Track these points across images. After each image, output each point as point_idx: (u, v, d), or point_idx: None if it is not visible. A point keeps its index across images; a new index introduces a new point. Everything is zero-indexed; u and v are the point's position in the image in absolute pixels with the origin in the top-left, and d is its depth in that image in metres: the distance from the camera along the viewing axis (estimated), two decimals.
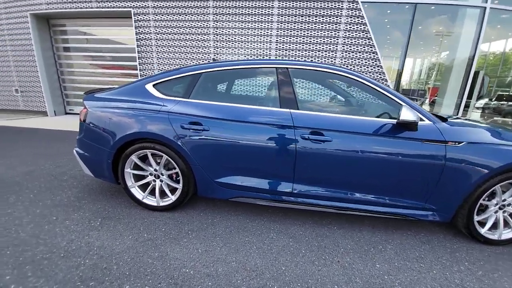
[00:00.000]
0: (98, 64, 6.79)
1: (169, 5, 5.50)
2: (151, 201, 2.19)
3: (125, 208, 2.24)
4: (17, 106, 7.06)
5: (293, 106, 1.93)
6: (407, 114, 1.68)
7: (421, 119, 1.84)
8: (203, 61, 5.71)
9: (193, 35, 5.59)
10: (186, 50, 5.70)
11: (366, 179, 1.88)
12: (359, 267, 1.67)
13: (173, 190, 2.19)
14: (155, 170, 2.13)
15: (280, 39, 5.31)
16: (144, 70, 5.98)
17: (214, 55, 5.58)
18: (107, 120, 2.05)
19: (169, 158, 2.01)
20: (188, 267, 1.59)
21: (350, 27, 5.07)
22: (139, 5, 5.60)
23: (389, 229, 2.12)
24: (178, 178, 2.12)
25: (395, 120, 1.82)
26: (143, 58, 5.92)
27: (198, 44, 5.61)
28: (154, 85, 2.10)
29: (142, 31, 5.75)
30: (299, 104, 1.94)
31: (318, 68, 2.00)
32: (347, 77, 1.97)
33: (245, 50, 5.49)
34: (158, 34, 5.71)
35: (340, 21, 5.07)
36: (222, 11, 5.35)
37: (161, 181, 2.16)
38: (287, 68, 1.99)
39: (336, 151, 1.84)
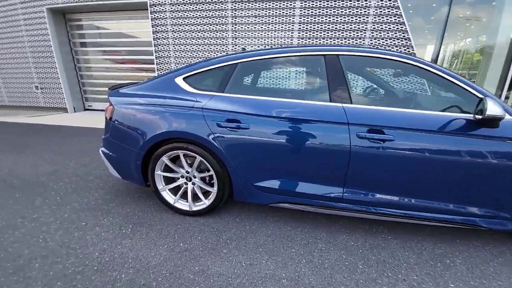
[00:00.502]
0: (114, 59, 6.67)
1: None
2: (183, 205, 2.01)
3: (156, 213, 2.08)
4: (38, 103, 7.10)
5: (346, 99, 1.66)
6: (494, 109, 1.38)
7: None
8: (220, 53, 5.45)
9: (210, 25, 5.32)
10: (203, 41, 5.45)
11: (431, 183, 1.61)
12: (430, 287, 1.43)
13: (205, 193, 2.00)
14: (187, 172, 1.93)
15: (302, 27, 4.95)
16: (161, 63, 5.80)
17: (234, 46, 5.30)
18: (135, 118, 1.86)
19: (203, 160, 1.80)
20: (234, 285, 1.40)
21: (381, 11, 4.65)
22: None
23: (452, 239, 1.85)
24: (212, 181, 1.92)
25: (470, 115, 1.53)
26: (160, 51, 5.72)
27: (216, 35, 5.34)
28: (184, 79, 1.88)
29: (158, 23, 5.54)
30: (353, 97, 1.67)
31: (379, 55, 1.70)
32: (418, 66, 1.65)
33: (265, 40, 5.18)
34: (174, 25, 5.47)
35: (370, 4, 4.64)
36: None
37: (193, 184, 1.97)
38: (337, 55, 1.71)
39: (399, 152, 1.57)
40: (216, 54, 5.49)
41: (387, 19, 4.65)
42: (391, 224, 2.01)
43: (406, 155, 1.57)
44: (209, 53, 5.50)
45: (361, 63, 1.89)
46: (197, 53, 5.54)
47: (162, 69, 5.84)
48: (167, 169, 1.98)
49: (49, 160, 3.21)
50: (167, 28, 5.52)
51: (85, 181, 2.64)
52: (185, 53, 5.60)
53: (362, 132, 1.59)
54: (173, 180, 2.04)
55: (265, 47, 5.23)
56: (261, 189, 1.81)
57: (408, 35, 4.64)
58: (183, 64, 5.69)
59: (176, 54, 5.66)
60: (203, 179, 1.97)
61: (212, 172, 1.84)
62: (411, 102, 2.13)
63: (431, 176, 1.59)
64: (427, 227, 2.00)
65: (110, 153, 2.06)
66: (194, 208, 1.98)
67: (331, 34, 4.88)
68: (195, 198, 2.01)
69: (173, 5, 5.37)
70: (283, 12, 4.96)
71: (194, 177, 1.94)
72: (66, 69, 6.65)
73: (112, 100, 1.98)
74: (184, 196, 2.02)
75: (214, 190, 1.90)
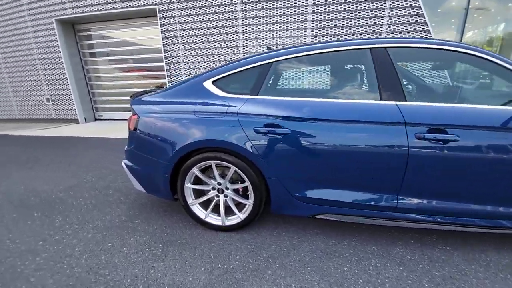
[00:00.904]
0: (124, 67, 6.60)
1: None
2: (214, 220, 1.84)
3: (185, 229, 1.91)
4: (49, 115, 7.07)
5: (399, 96, 1.47)
6: None
7: None
8: (231, 59, 5.31)
9: (220, 28, 5.19)
10: (214, 45, 5.32)
11: (498, 187, 1.41)
12: None
13: (237, 205, 1.83)
14: (219, 184, 1.76)
15: (315, 24, 4.77)
16: (171, 69, 5.69)
17: (245, 49, 5.15)
18: (162, 127, 1.70)
19: (238, 170, 1.63)
20: None
21: (398, 4, 4.44)
22: (164, 1, 5.28)
23: None
24: (246, 193, 1.74)
25: None
26: (170, 57, 5.61)
27: (227, 37, 5.21)
28: (213, 82, 1.71)
29: (167, 28, 5.44)
30: (406, 93, 1.48)
31: (436, 46, 1.50)
32: (485, 59, 1.45)
33: (277, 40, 5.02)
34: (184, 30, 5.36)
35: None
36: (251, 1, 4.89)
37: (226, 196, 1.79)
38: (385, 48, 1.53)
39: (465, 153, 1.37)
40: (227, 58, 5.35)
41: (405, 12, 4.44)
42: (443, 233, 1.80)
43: (474, 156, 1.37)
44: (219, 56, 5.36)
45: (413, 56, 1.70)
46: (207, 57, 5.41)
47: (172, 76, 5.73)
48: (196, 181, 1.81)
49: (65, 174, 3.08)
50: (177, 34, 5.41)
51: (105, 196, 2.49)
52: (196, 57, 5.48)
53: (421, 133, 1.40)
54: (202, 193, 1.88)
55: (283, 47, 5.07)
56: (304, 199, 1.62)
57: (427, 27, 4.41)
58: (194, 70, 5.57)
59: (186, 60, 5.54)
60: (236, 191, 1.80)
61: (247, 183, 1.66)
62: (467, 96, 1.93)
63: (498, 180, 1.39)
64: (483, 234, 1.78)
65: (135, 166, 1.90)
66: (227, 223, 1.81)
67: (346, 31, 4.69)
68: (227, 211, 1.83)
69: (182, 10, 5.26)
70: (295, 11, 4.80)
71: (227, 188, 1.77)
72: (77, 80, 6.61)
73: (135, 109, 1.83)
74: (215, 209, 1.85)
75: (249, 202, 1.72)
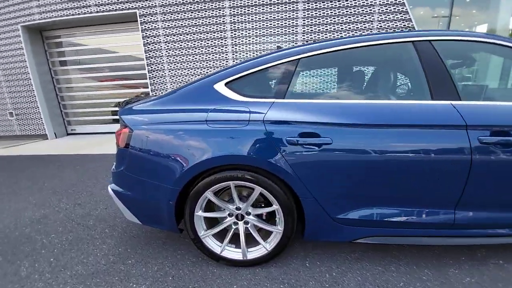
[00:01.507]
0: (99, 76, 6.01)
1: (178, 1, 4.78)
2: (232, 253, 1.47)
3: (195, 268, 1.51)
4: (13, 131, 6.22)
5: (453, 95, 1.24)
6: None
7: None
8: (220, 65, 4.99)
9: (207, 33, 4.87)
10: (200, 51, 4.98)
11: None
12: None
13: (258, 232, 1.48)
14: (237, 208, 1.41)
15: (307, 21, 4.61)
16: (155, 77, 5.23)
17: (234, 54, 4.87)
18: (164, 141, 1.32)
19: (265, 191, 1.30)
20: None
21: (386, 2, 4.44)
22: (145, 5, 4.87)
23: None
24: (276, 218, 1.40)
25: None
26: (153, 64, 5.17)
27: (214, 43, 4.90)
28: (227, 84, 1.38)
29: (149, 34, 5.01)
30: (460, 91, 1.25)
31: (490, 40, 1.30)
32: None
33: (268, 45, 4.80)
34: (167, 36, 4.97)
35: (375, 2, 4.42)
36: (240, 3, 4.66)
37: (246, 223, 1.44)
38: (429, 41, 1.31)
39: None
40: (215, 64, 5.03)
41: (393, 17, 4.43)
42: (491, 245, 1.59)
43: None
44: (206, 62, 5.02)
45: (462, 49, 1.49)
46: (194, 63, 5.05)
47: (156, 84, 5.28)
48: (208, 207, 1.45)
49: (33, 202, 2.53)
50: (160, 39, 5.01)
51: (85, 228, 2.01)
52: (182, 64, 5.09)
53: (485, 136, 1.18)
54: (215, 221, 1.51)
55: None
56: (347, 222, 1.32)
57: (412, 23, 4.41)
58: (180, 77, 5.17)
59: (171, 67, 5.13)
60: (258, 216, 1.46)
61: (276, 207, 1.33)
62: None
63: None
64: None
65: (126, 192, 1.49)
66: (250, 256, 1.45)
67: (337, 27, 4.58)
68: (247, 241, 1.48)
69: (165, 15, 4.89)
70: (286, 16, 4.63)
71: (248, 214, 1.42)
72: (45, 91, 5.90)
73: (127, 120, 1.43)
74: (231, 240, 1.49)
75: (278, 229, 1.38)
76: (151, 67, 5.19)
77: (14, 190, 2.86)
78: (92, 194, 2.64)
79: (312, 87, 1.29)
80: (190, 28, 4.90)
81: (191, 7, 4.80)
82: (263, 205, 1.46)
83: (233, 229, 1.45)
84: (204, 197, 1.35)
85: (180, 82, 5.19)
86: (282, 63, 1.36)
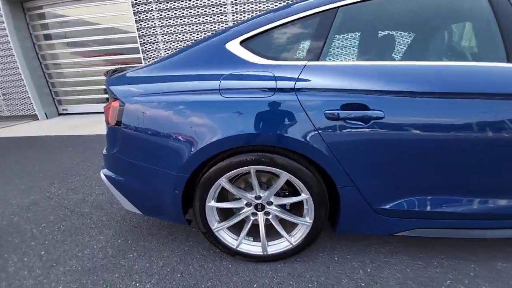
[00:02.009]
0: (87, 51, 5.50)
1: None
2: (251, 247, 1.26)
3: (206, 262, 1.31)
4: (1, 112, 5.83)
5: None
6: None
7: None
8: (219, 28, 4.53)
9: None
10: (198, 20, 4.49)
11: None
12: None
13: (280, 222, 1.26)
14: (257, 197, 1.17)
15: None
16: (148, 51, 4.78)
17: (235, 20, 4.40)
18: (165, 117, 1.05)
19: (293, 178, 1.05)
20: None
21: None
22: None
23: None
24: (304, 209, 1.17)
25: None
26: (145, 36, 4.68)
27: (213, 10, 4.40)
28: (242, 43, 1.07)
29: (141, 1, 4.48)
30: None
31: None
32: None
33: None
34: (161, 3, 4.45)
35: None
36: None
37: (267, 213, 1.22)
38: None
39: None
40: (213, 30, 4.56)
41: None
42: None
43: None
44: (206, 33, 4.56)
45: None
46: (191, 34, 4.58)
47: (150, 58, 4.83)
48: (221, 195, 1.21)
49: (21, 187, 2.28)
50: (152, 7, 4.48)
51: (79, 216, 1.79)
52: (178, 35, 4.61)
53: None
54: (230, 212, 1.28)
55: None
56: (390, 213, 1.09)
57: None
58: (174, 48, 4.72)
59: (165, 39, 4.66)
60: (282, 206, 1.23)
61: (305, 196, 1.09)
62: None
63: None
64: None
65: (121, 179, 1.24)
66: (270, 250, 1.24)
67: None
68: (268, 234, 1.26)
69: None
70: None
71: (269, 204, 1.19)
72: (31, 69, 5.42)
73: (116, 91, 1.13)
74: (250, 232, 1.27)
75: (307, 222, 1.16)
76: (144, 40, 4.72)
77: (1, 174, 2.60)
78: (86, 177, 2.39)
79: (356, 45, 1.01)
80: None
81: None
82: (287, 193, 1.23)
83: (251, 221, 1.22)
84: (218, 184, 1.11)
85: None
86: (316, 13, 1.04)
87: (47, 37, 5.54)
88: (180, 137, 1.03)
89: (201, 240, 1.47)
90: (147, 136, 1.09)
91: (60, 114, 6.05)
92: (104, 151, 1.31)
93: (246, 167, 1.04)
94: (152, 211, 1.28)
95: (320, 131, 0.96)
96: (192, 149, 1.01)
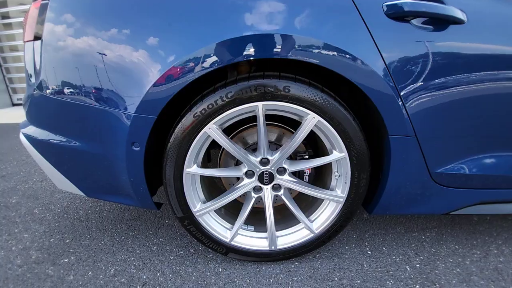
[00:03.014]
0: None
1: None
2: (252, 239, 0.83)
3: (182, 265, 0.86)
4: None
5: None
6: None
7: None
8: None
9: None
10: None
11: None
12: None
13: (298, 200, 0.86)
14: (263, 162, 0.76)
15: None
16: None
17: None
18: (116, 13, 0.62)
19: (326, 124, 0.66)
20: None
21: None
22: None
23: None
24: (332, 177, 0.78)
25: None
26: None
27: None
28: None
29: None
30: None
31: None
32: None
33: None
34: None
35: None
36: None
37: (277, 189, 0.81)
38: None
39: None
40: None
41: None
42: None
43: None
44: None
45: None
46: None
47: None
48: (208, 159, 0.79)
49: None
50: None
51: (2, 209, 1.24)
52: None
53: None
54: (218, 189, 0.85)
55: None
56: (450, 180, 0.74)
57: None
58: None
59: None
60: (297, 175, 0.83)
61: (340, 155, 0.70)
62: None
63: None
64: None
65: (49, 137, 0.77)
66: (281, 244, 0.83)
67: None
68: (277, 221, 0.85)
69: None
70: None
71: (281, 171, 0.79)
72: None
73: None
74: (249, 218, 0.85)
75: (337, 197, 0.76)
76: None
77: None
78: (25, 163, 1.81)
79: None
80: None
81: None
82: (306, 155, 0.84)
83: (253, 200, 0.80)
84: (203, 137, 0.68)
85: None
86: None
87: (4, 16, 4.74)
88: (138, 49, 0.60)
89: (177, 234, 1.01)
90: (84, 50, 0.63)
91: (14, 105, 5.16)
92: (24, 98, 0.83)
93: (249, 104, 0.63)
94: (100, 188, 0.81)
95: (376, 39, 0.58)
96: (160, 69, 0.59)
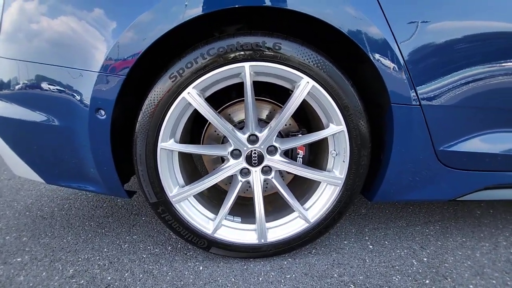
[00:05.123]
0: None
1: None
2: (238, 232, 0.71)
3: (156, 263, 0.72)
4: None
5: None
6: None
7: None
8: None
9: None
10: None
11: None
12: None
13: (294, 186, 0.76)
14: (251, 140, 0.65)
15: None
16: None
17: None
18: None
19: (323, 92, 0.57)
20: None
21: None
22: None
23: None
24: (330, 155, 0.69)
25: None
26: None
27: None
28: None
29: None
30: None
31: None
32: None
33: None
34: None
35: None
36: None
37: (267, 172, 0.70)
38: None
39: None
40: None
41: None
42: None
43: None
44: None
45: None
46: None
47: None
48: (189, 134, 0.69)
49: None
50: None
51: None
52: None
53: None
54: (200, 175, 0.75)
55: None
56: (457, 160, 0.66)
57: None
58: None
59: None
60: (289, 154, 0.74)
61: (337, 128, 0.61)
62: None
63: None
64: None
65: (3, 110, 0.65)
66: (272, 237, 0.71)
67: None
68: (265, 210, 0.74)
69: None
70: None
71: (272, 151, 0.68)
72: None
73: None
74: (236, 209, 0.74)
75: (334, 179, 0.66)
76: None
77: None
78: None
79: None
80: None
81: None
82: (297, 132, 0.75)
83: (239, 185, 0.69)
84: (181, 104, 0.58)
85: None
86: None
87: None
88: None
89: (153, 232, 0.88)
90: None
91: None
92: None
93: (234, 65, 0.54)
94: (62, 172, 0.68)
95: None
96: (129, 16, 0.49)
